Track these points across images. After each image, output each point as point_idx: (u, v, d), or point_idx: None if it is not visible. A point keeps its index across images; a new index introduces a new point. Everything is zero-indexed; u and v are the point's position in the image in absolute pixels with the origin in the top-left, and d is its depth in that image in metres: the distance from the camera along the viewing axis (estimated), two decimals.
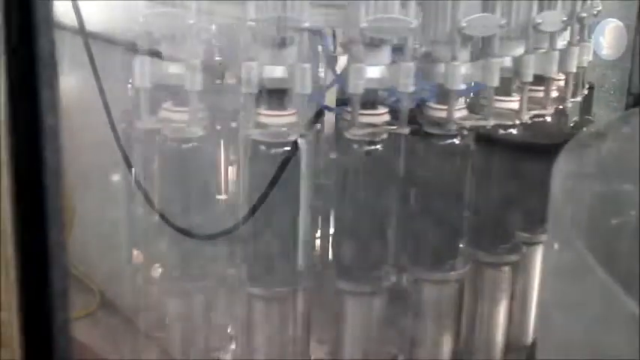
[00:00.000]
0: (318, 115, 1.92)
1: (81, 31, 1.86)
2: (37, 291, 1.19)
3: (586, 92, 2.43)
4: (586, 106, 2.46)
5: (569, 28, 2.27)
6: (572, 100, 2.34)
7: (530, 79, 2.14)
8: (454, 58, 1.98)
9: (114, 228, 2.17)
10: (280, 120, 1.90)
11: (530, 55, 2.12)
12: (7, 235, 1.17)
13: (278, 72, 1.85)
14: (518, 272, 2.38)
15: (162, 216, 1.93)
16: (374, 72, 1.90)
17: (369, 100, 1.96)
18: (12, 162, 1.14)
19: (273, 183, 1.85)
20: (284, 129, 1.89)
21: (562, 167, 1.17)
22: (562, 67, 2.24)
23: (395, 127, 1.97)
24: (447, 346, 2.22)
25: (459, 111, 2.07)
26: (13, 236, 1.16)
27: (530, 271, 2.42)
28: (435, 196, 2.11)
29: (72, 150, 1.20)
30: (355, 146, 1.97)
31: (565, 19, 2.21)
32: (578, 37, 2.32)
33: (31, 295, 1.19)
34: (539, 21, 2.10)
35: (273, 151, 1.88)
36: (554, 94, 2.31)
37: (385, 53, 1.93)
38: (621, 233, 1.24)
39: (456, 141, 2.09)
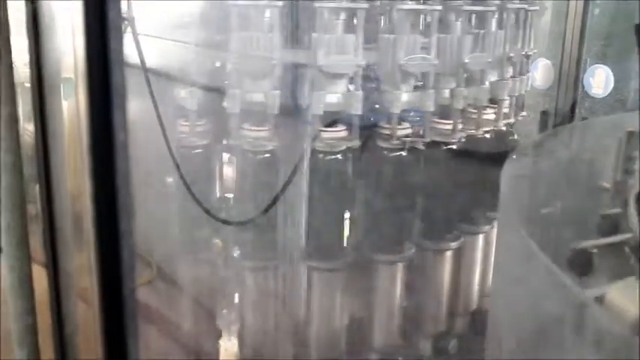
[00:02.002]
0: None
1: (142, 67, 1.85)
2: (111, 266, 1.19)
3: (523, 115, 2.43)
4: (543, 125, 2.47)
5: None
6: (518, 117, 2.34)
7: (506, 97, 2.15)
8: (458, 85, 2.00)
9: (168, 219, 2.16)
10: (336, 135, 1.91)
11: (505, 81, 2.13)
12: (89, 224, 1.17)
13: (335, 98, 1.85)
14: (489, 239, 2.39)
15: (207, 211, 1.92)
16: (405, 97, 1.90)
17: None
18: (92, 168, 1.13)
19: (286, 182, 1.85)
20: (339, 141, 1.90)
21: (508, 170, 1.17)
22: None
23: (419, 138, 1.98)
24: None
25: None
26: (93, 226, 1.15)
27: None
28: (441, 189, 2.11)
29: (135, 158, 1.20)
30: (385, 152, 1.97)
31: (530, 54, 2.23)
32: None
33: (107, 269, 1.19)
34: (512, 55, 2.11)
35: (328, 157, 1.90)
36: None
37: (412, 83, 1.93)
38: (551, 219, 1.25)
39: (455, 147, 2.09)
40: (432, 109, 1.94)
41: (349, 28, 1.82)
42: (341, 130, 1.92)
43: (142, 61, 1.73)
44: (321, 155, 1.91)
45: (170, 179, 1.93)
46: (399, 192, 2.00)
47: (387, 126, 1.95)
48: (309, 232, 1.97)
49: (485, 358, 1.17)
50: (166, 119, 1.99)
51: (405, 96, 1.91)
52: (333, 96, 1.84)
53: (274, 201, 1.91)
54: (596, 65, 2.62)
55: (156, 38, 1.96)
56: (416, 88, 1.95)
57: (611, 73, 2.61)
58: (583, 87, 2.65)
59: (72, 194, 1.21)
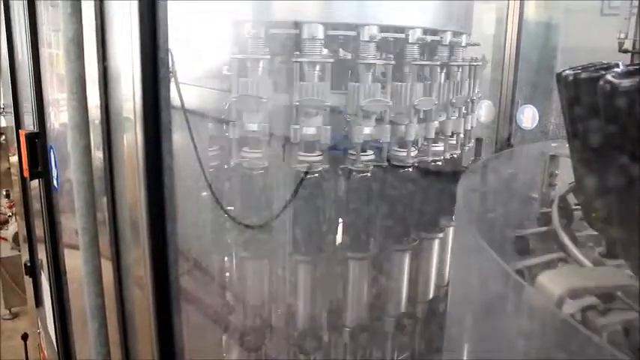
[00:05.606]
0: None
1: (182, 108, 1.84)
2: (160, 260, 1.19)
3: (474, 143, 2.41)
4: (478, 150, 2.45)
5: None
6: (468, 145, 2.31)
7: (451, 132, 2.08)
8: (411, 121, 1.94)
9: (203, 222, 2.15)
10: (312, 158, 1.82)
11: (460, 119, 2.09)
12: (143, 227, 1.17)
13: (311, 130, 1.79)
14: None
15: (231, 217, 1.89)
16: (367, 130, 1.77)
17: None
18: (145, 185, 1.14)
19: (295, 193, 1.80)
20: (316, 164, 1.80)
21: (463, 184, 1.18)
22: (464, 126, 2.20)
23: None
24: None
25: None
26: (147, 229, 1.16)
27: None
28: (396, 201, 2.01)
29: (177, 176, 1.21)
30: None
31: (476, 97, 2.19)
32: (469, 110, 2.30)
33: (158, 262, 1.19)
34: (467, 98, 2.06)
35: (308, 176, 1.80)
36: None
37: (373, 119, 1.79)
38: (495, 222, 1.25)
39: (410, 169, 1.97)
40: (388, 140, 1.85)
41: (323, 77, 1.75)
42: (315, 155, 1.77)
43: (182, 104, 1.74)
44: (302, 174, 1.81)
45: (204, 193, 1.91)
46: (363, 203, 1.90)
47: (353, 152, 1.86)
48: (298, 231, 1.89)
49: (445, 330, 1.16)
50: (200, 147, 1.97)
51: (366, 129, 1.82)
52: (307, 128, 1.75)
53: (284, 208, 1.87)
54: (526, 105, 2.65)
55: (192, 86, 1.96)
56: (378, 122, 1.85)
57: (536, 111, 2.65)
58: (516, 122, 2.67)
59: (130, 205, 1.22)
